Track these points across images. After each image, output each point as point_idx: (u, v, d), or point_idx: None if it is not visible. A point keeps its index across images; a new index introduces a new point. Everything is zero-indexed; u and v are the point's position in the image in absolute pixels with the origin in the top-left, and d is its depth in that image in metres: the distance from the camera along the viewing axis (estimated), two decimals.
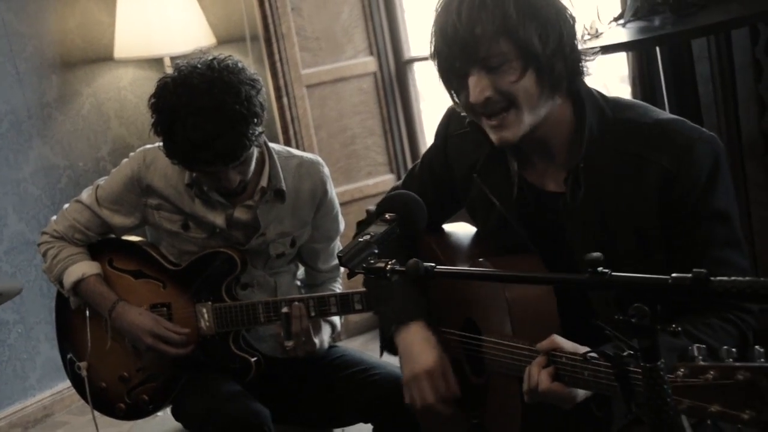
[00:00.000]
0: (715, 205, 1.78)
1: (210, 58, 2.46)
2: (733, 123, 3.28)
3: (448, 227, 2.16)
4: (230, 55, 2.51)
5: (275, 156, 2.61)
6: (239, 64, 2.47)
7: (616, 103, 1.86)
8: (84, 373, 2.71)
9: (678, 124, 1.81)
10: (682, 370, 1.33)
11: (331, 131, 4.59)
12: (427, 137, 4.69)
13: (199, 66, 2.43)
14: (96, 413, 2.76)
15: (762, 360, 1.26)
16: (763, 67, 3.22)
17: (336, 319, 2.68)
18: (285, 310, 2.48)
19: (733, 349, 1.30)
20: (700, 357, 1.33)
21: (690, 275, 1.29)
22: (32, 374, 4.42)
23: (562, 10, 1.76)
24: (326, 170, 2.68)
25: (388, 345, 2.11)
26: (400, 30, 4.67)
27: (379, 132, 4.70)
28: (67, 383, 2.83)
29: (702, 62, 3.28)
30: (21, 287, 2.89)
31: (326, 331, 2.64)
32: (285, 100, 4.43)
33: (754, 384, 1.25)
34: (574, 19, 1.78)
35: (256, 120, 2.41)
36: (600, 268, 1.39)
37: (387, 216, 1.73)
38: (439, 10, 1.78)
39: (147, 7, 4.35)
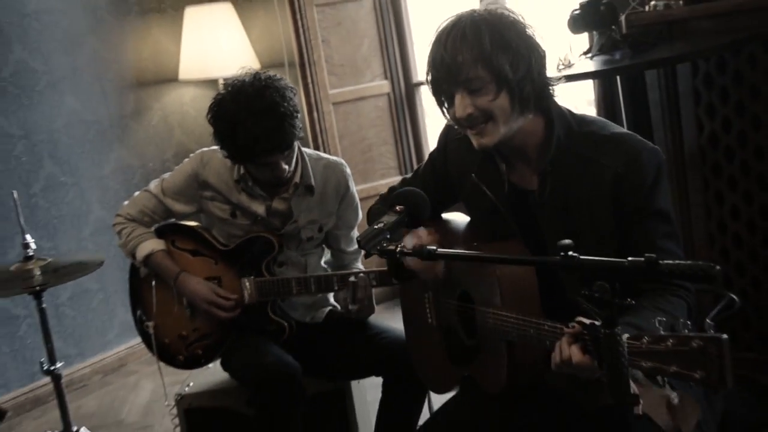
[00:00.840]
0: (657, 204, 1.77)
1: (253, 72, 2.47)
2: (677, 139, 3.26)
3: (446, 216, 2.14)
4: (267, 70, 2.53)
5: (306, 158, 2.60)
6: (277, 75, 2.49)
7: (581, 119, 1.86)
8: (151, 330, 2.71)
9: (628, 137, 1.81)
10: (646, 338, 1.33)
11: (352, 140, 4.58)
12: (431, 146, 4.67)
13: (246, 79, 2.44)
14: (160, 364, 2.76)
15: (712, 331, 1.26)
16: (701, 94, 3.19)
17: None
18: (353, 279, 2.44)
19: (688, 322, 1.30)
20: (661, 328, 1.33)
21: (643, 259, 1.27)
22: (110, 332, 4.44)
23: (534, 45, 1.76)
24: (348, 170, 2.66)
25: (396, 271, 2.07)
26: (410, 59, 4.65)
27: (391, 141, 4.68)
28: (138, 340, 2.83)
29: (653, 90, 3.26)
30: (103, 259, 2.87)
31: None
32: (315, 114, 4.42)
33: (705, 350, 1.25)
34: (544, 52, 1.78)
35: (297, 116, 2.44)
36: (570, 253, 1.38)
37: (397, 208, 1.75)
38: (432, 43, 1.80)
39: (205, 38, 4.37)
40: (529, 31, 1.77)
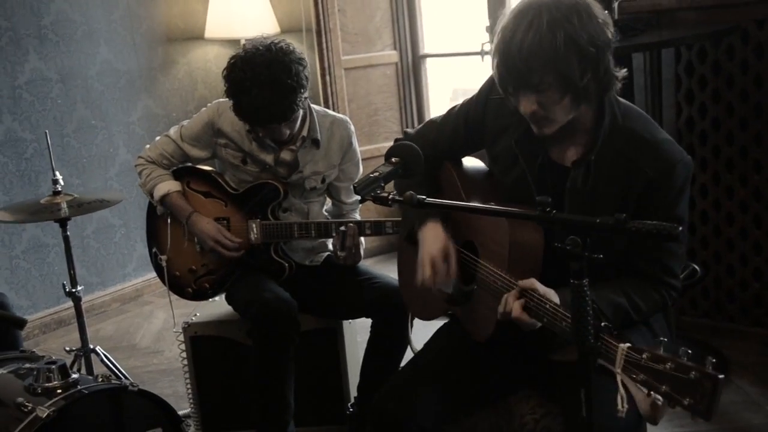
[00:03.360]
0: (677, 212, 1.72)
1: (269, 41, 2.41)
2: (658, 122, 3.15)
3: (466, 162, 2.03)
4: (283, 39, 2.47)
5: (314, 114, 2.56)
6: (291, 47, 2.42)
7: (626, 112, 1.76)
8: (164, 263, 2.70)
9: (668, 145, 1.73)
10: (647, 353, 1.30)
11: (360, 104, 4.52)
12: (433, 114, 4.61)
13: (260, 48, 2.39)
14: (171, 295, 2.75)
15: (710, 368, 1.23)
16: (682, 81, 3.16)
17: (363, 240, 2.61)
18: (342, 228, 2.41)
19: (689, 351, 1.27)
20: (662, 348, 1.30)
21: (613, 217, 1.25)
22: (129, 265, 4.44)
23: (604, 42, 1.62)
24: (352, 127, 2.63)
25: (411, 237, 1.98)
26: (418, 32, 4.57)
27: (396, 108, 4.62)
28: (154, 273, 2.81)
29: (639, 74, 3.22)
30: (122, 198, 2.86)
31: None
32: (328, 78, 4.37)
33: (700, 383, 1.22)
34: (612, 46, 1.65)
35: (302, 90, 2.38)
36: (547, 209, 1.36)
37: (393, 160, 1.72)
38: (504, 36, 1.64)
39: (231, 0, 4.29)
40: (600, 22, 1.62)
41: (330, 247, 2.76)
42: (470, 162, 2.04)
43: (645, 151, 1.70)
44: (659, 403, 1.29)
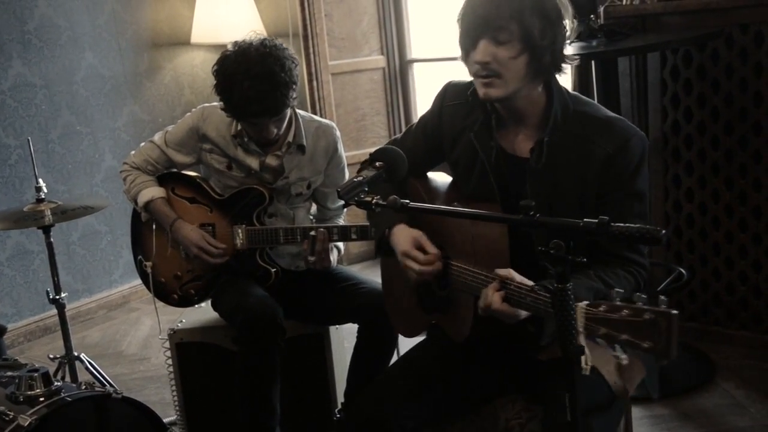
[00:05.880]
0: (636, 186, 1.75)
1: (262, 38, 2.42)
2: (643, 125, 3.23)
3: (430, 174, 2.08)
4: (276, 38, 2.47)
5: (300, 119, 2.55)
6: (283, 45, 2.44)
7: (576, 98, 1.82)
8: (149, 270, 2.68)
9: (621, 122, 1.78)
10: (603, 306, 1.31)
11: (347, 109, 4.52)
12: None
13: (254, 43, 2.40)
14: (157, 302, 2.73)
15: (663, 306, 1.24)
16: (668, 85, 3.17)
17: (341, 245, 2.63)
18: (313, 233, 2.42)
19: (644, 296, 1.28)
20: (618, 299, 1.31)
21: (596, 221, 1.24)
22: (116, 271, 4.41)
23: (562, 18, 1.72)
24: (338, 133, 2.62)
25: (384, 248, 1.98)
26: (405, 37, 4.57)
27: (383, 113, 4.62)
28: (141, 280, 2.80)
29: (624, 79, 3.23)
30: (107, 205, 2.85)
31: (334, 253, 2.59)
32: (315, 83, 4.36)
33: (656, 323, 1.23)
34: (567, 29, 1.73)
35: (294, 87, 2.39)
36: (531, 213, 1.35)
37: (377, 164, 1.73)
38: None
39: (218, 5, 4.30)
40: (565, 3, 1.73)
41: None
42: (432, 174, 2.08)
43: (599, 129, 1.75)
44: (623, 362, 1.30)
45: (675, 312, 1.23)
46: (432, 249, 1.80)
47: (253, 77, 2.32)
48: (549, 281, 1.50)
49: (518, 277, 1.62)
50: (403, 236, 1.85)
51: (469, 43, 1.74)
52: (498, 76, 1.71)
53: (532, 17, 1.66)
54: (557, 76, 1.78)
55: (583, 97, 1.85)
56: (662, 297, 1.25)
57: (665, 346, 1.23)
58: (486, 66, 1.70)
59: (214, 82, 2.42)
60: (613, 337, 1.28)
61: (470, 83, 1.84)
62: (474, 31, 1.71)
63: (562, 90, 1.80)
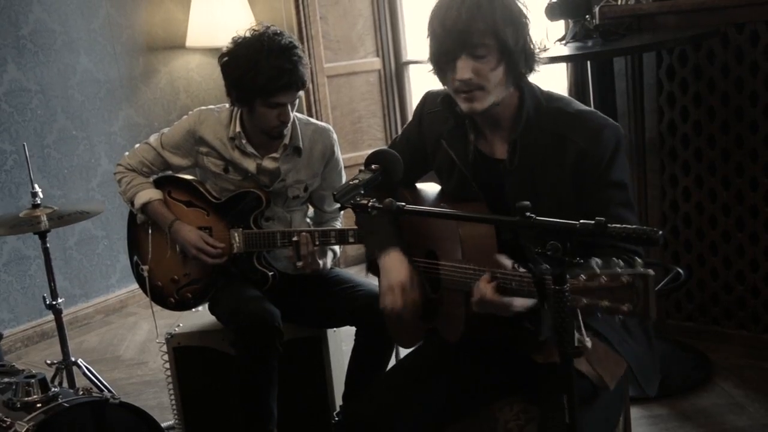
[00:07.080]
0: (613, 176, 1.74)
1: (265, 26, 2.45)
2: (639, 125, 3.25)
3: (419, 184, 2.10)
4: None
5: (297, 122, 2.55)
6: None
7: (548, 95, 1.83)
8: (145, 273, 2.68)
9: (592, 114, 1.79)
10: (583, 275, 1.31)
11: (343, 112, 4.52)
12: None
13: (261, 29, 2.42)
14: (154, 306, 2.72)
15: (639, 268, 1.25)
16: (663, 85, 3.18)
17: (337, 248, 2.63)
18: (295, 238, 2.44)
19: (620, 261, 1.29)
20: (597, 267, 1.31)
21: (593, 222, 1.25)
22: (113, 276, 4.40)
23: (526, 17, 1.74)
24: (335, 136, 2.62)
25: (372, 267, 2.05)
26: (401, 39, 4.58)
27: (380, 115, 4.63)
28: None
29: (620, 79, 3.24)
30: (102, 209, 2.84)
31: (329, 256, 2.60)
32: (311, 86, 4.35)
33: (633, 285, 1.24)
34: (529, 25, 1.76)
35: (307, 66, 2.44)
36: (527, 214, 1.35)
37: (373, 167, 1.73)
38: (439, 8, 1.73)
39: (213, 9, 4.30)
40: (523, 2, 1.75)
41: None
42: (421, 184, 2.09)
43: (571, 123, 1.76)
44: (587, 344, 1.32)
45: (651, 272, 1.24)
46: (418, 296, 1.87)
47: (277, 52, 2.35)
48: (531, 260, 1.51)
49: (508, 263, 1.63)
50: (400, 267, 1.88)
51: (444, 62, 1.75)
52: (480, 88, 1.72)
53: (505, 26, 1.68)
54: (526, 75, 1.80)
55: (556, 93, 1.86)
56: (638, 259, 1.27)
57: (643, 307, 1.23)
58: (468, 83, 1.71)
59: (228, 72, 2.42)
60: (595, 305, 1.29)
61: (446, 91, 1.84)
62: (451, 49, 1.71)
63: (533, 88, 1.82)
